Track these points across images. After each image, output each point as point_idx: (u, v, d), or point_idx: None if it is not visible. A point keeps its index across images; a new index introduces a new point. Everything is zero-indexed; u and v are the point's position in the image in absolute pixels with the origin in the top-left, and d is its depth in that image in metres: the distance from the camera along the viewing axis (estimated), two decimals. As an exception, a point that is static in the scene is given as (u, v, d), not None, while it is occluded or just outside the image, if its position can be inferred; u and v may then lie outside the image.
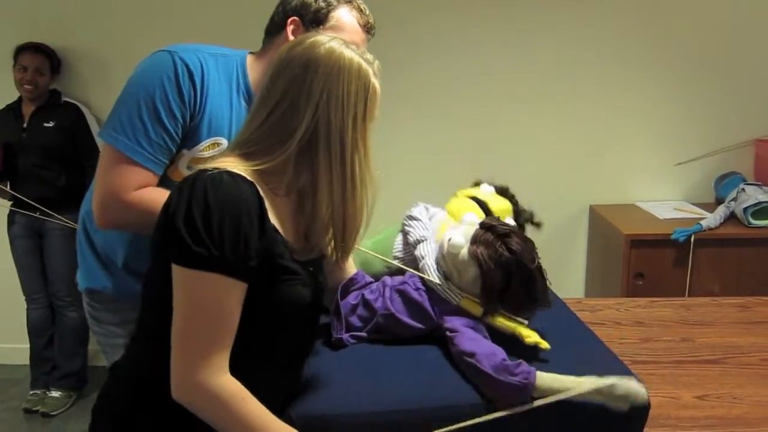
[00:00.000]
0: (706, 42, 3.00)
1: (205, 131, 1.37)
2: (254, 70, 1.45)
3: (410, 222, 1.40)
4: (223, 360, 0.96)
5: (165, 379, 1.02)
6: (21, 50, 3.02)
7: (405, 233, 1.40)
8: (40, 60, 3.02)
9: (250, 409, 0.97)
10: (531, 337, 1.17)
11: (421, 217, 1.41)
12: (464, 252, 1.21)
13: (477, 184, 1.53)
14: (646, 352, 1.49)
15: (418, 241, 1.34)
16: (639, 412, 1.11)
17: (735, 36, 2.99)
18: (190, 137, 1.36)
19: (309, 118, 1.03)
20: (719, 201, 2.93)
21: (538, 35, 3.04)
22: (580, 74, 3.06)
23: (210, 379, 0.95)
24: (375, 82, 1.07)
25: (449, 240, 1.22)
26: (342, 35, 1.32)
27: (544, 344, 1.17)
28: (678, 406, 1.26)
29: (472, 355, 1.11)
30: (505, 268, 1.18)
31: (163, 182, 1.36)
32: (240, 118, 1.40)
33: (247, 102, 1.43)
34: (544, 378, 1.07)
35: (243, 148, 1.06)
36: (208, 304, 0.95)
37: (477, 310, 1.20)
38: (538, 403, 1.06)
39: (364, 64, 1.06)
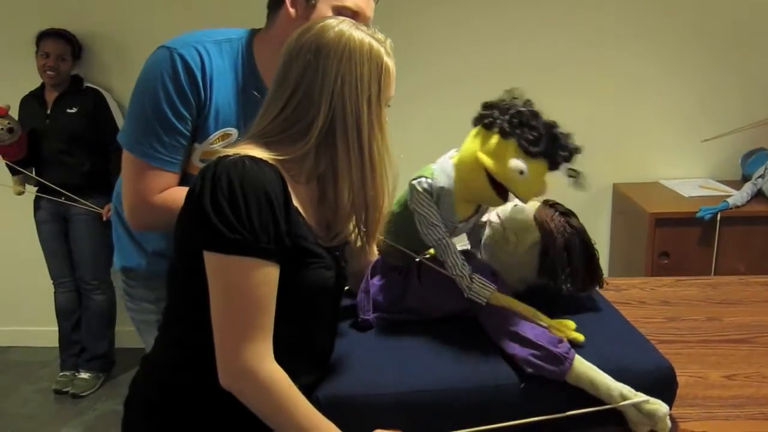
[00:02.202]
0: (735, 17, 2.93)
1: (213, 124, 1.37)
2: (261, 50, 1.41)
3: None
4: (267, 346, 0.97)
5: (194, 368, 1.03)
6: (43, 36, 3.04)
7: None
8: (62, 46, 3.04)
9: (297, 397, 0.98)
10: (563, 330, 1.15)
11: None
12: (528, 214, 1.21)
13: None
14: (672, 332, 1.48)
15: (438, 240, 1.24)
16: (666, 391, 1.11)
17: (762, 10, 2.92)
18: (199, 131, 1.36)
19: (326, 106, 1.02)
20: (746, 178, 2.88)
21: (562, 10, 2.99)
22: (605, 50, 3.01)
23: (259, 366, 0.95)
24: (388, 60, 1.06)
25: (515, 205, 1.23)
26: (344, 1, 1.30)
27: (580, 336, 1.15)
28: (705, 386, 1.25)
29: (514, 323, 1.12)
30: (568, 238, 1.20)
31: (181, 177, 1.38)
32: (249, 104, 1.39)
33: (255, 87, 1.40)
34: (583, 363, 1.08)
35: (261, 137, 1.06)
36: (246, 289, 0.95)
37: (507, 303, 1.17)
38: (576, 412, 1.06)
39: (376, 44, 1.05)
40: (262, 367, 0.96)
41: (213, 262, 0.96)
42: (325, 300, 1.10)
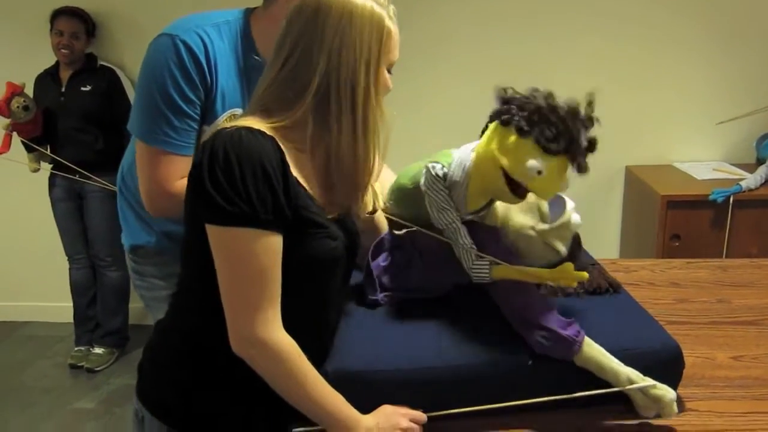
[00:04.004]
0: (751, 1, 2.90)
1: (220, 106, 1.38)
2: (259, 30, 1.41)
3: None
4: (276, 314, 0.99)
5: (206, 333, 1.06)
6: (57, 15, 3.05)
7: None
8: (76, 24, 3.05)
9: (307, 367, 1.00)
10: (567, 277, 1.13)
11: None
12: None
13: None
14: (681, 313, 1.48)
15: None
16: (673, 371, 1.12)
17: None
18: (207, 114, 1.38)
19: (323, 66, 1.01)
20: (760, 161, 2.86)
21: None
22: (619, 33, 2.98)
23: (268, 334, 0.97)
24: (390, 24, 1.05)
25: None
26: None
27: (584, 275, 1.13)
28: (713, 366, 1.26)
29: (523, 305, 1.12)
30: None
31: None
32: (252, 84, 1.37)
33: (256, 66, 1.40)
34: (592, 346, 1.08)
35: (260, 105, 1.06)
36: (248, 259, 0.96)
37: (513, 273, 1.16)
38: (583, 393, 1.07)
39: (377, 8, 1.04)
40: (271, 336, 0.98)
41: (215, 234, 0.98)
42: (332, 270, 1.10)
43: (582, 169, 1.09)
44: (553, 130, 1.07)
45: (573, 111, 1.07)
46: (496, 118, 1.12)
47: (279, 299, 0.99)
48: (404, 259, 1.26)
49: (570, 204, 1.25)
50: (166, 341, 1.14)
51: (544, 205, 1.20)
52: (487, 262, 1.16)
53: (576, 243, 1.27)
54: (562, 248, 1.24)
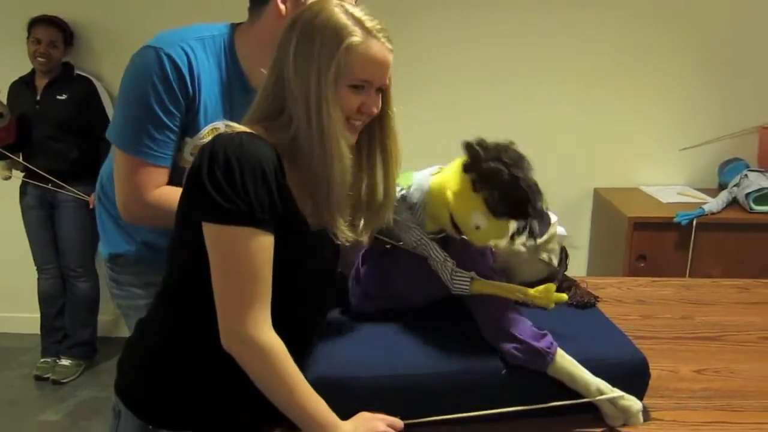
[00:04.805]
0: (713, 29, 3.02)
1: (203, 119, 1.40)
2: (243, 45, 1.43)
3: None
4: (266, 315, 1.01)
5: (186, 333, 1.08)
6: (35, 23, 3.04)
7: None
8: (54, 33, 3.05)
9: (292, 369, 1.03)
10: (546, 297, 1.18)
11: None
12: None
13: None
14: (647, 329, 1.53)
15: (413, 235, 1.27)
16: (639, 381, 1.17)
17: (741, 24, 3.01)
18: (190, 127, 1.39)
19: (289, 79, 1.04)
20: (722, 186, 2.96)
21: (543, 19, 3.06)
22: (587, 59, 3.08)
23: (258, 333, 1.00)
24: (358, 40, 1.03)
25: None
26: None
27: (563, 296, 1.19)
28: (676, 379, 1.31)
29: (498, 318, 1.16)
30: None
31: (171, 169, 1.41)
32: (234, 99, 1.42)
33: (239, 82, 1.43)
34: (564, 358, 1.13)
35: (253, 116, 1.09)
36: (243, 257, 0.99)
37: (489, 289, 1.20)
38: (555, 404, 1.12)
39: (343, 21, 1.03)
40: (261, 335, 1.00)
41: (211, 232, 1.00)
42: (311, 279, 1.13)
43: (532, 233, 1.15)
44: (503, 195, 1.12)
45: (531, 182, 1.12)
46: (465, 157, 1.17)
47: (269, 299, 1.02)
48: (389, 269, 1.30)
49: (554, 218, 1.33)
50: (147, 339, 1.16)
51: (533, 222, 1.25)
52: (468, 276, 1.20)
53: (564, 254, 1.34)
54: (554, 260, 1.32)
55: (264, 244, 1.00)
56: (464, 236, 1.20)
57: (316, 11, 1.05)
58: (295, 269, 1.09)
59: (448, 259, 1.22)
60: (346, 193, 1.09)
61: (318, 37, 1.03)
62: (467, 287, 1.20)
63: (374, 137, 1.15)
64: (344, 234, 1.09)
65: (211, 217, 0.99)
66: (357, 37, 1.03)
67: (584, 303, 1.39)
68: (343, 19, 1.04)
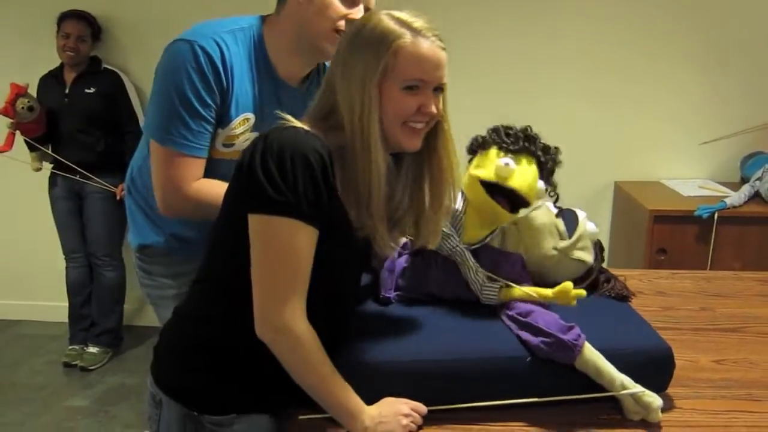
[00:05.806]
0: (736, 22, 3.01)
1: (234, 110, 1.42)
2: (271, 37, 1.45)
3: None
4: (302, 306, 1.04)
5: (223, 320, 1.11)
6: (64, 17, 3.11)
7: None
8: (82, 27, 3.11)
9: (322, 357, 1.06)
10: (566, 296, 1.21)
11: None
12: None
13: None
14: (667, 320, 1.55)
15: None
16: (664, 371, 1.19)
17: (764, 17, 2.99)
18: (222, 118, 1.42)
19: (338, 84, 1.08)
20: (744, 180, 2.96)
21: (566, 11, 3.06)
22: (609, 51, 3.08)
23: (294, 323, 1.03)
24: (402, 41, 1.04)
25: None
26: None
27: (582, 292, 1.21)
28: (696, 369, 1.33)
29: (526, 314, 1.20)
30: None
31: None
32: (262, 89, 1.45)
33: (268, 73, 1.46)
34: (592, 351, 1.14)
35: (308, 120, 1.11)
36: (286, 248, 1.02)
37: (519, 294, 1.25)
38: (577, 396, 1.14)
39: (391, 26, 1.05)
40: (294, 325, 1.03)
41: (257, 223, 1.03)
42: (348, 278, 1.17)
43: (546, 165, 1.28)
44: (510, 133, 1.28)
45: (525, 129, 1.29)
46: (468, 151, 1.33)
47: (306, 291, 1.05)
48: (423, 265, 1.33)
49: (581, 214, 1.36)
50: (183, 327, 1.19)
51: (560, 224, 1.31)
52: (497, 285, 1.25)
53: (599, 247, 1.37)
54: (588, 258, 1.35)
55: (308, 237, 1.03)
56: (510, 188, 1.25)
57: (365, 21, 1.09)
58: (335, 269, 1.11)
59: (480, 269, 1.28)
60: (384, 201, 1.09)
61: (365, 43, 1.06)
62: (495, 296, 1.26)
63: (428, 143, 1.14)
64: (385, 243, 1.11)
65: (259, 207, 1.02)
66: (405, 38, 1.05)
67: (622, 296, 1.41)
68: (391, 24, 1.06)
